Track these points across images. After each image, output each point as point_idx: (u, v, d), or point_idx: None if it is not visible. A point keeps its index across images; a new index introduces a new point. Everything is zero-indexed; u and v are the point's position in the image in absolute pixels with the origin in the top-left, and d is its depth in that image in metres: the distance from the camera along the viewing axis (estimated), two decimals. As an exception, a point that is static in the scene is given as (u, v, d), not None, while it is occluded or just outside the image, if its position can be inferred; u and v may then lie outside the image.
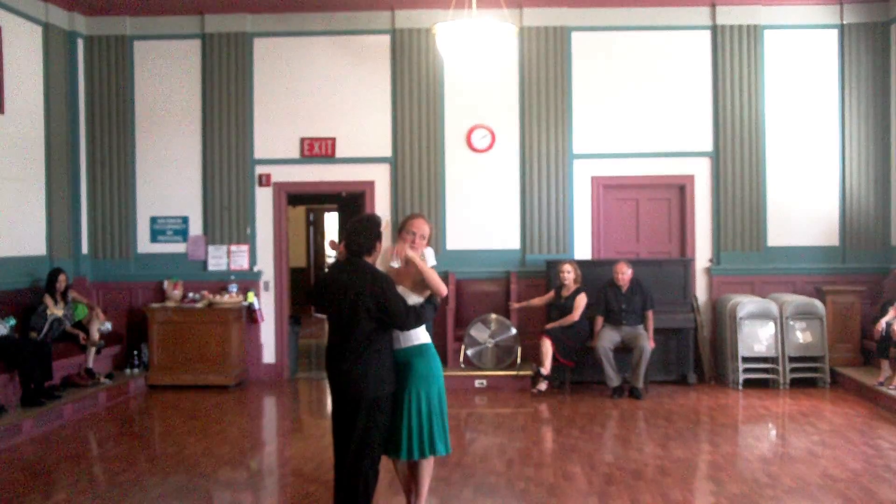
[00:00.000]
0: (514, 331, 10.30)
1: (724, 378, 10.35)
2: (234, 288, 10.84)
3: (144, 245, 11.24)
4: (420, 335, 5.23)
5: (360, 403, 5.00)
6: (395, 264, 5.32)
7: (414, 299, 5.15)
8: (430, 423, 5.17)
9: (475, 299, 10.85)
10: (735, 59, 10.89)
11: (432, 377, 5.19)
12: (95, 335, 9.76)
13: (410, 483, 5.48)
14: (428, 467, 5.34)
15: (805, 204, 10.93)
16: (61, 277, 9.74)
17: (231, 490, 6.63)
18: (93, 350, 9.79)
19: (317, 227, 19.24)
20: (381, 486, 6.50)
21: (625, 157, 11.01)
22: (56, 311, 9.47)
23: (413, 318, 5.08)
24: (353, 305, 4.95)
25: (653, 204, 11.18)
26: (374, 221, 5.21)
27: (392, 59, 11.05)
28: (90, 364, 9.79)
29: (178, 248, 11.20)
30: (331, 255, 19.19)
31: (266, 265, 11.20)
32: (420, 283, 5.18)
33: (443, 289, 5.14)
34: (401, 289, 5.13)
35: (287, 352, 11.21)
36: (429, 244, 5.40)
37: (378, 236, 5.14)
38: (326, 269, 5.78)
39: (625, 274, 9.79)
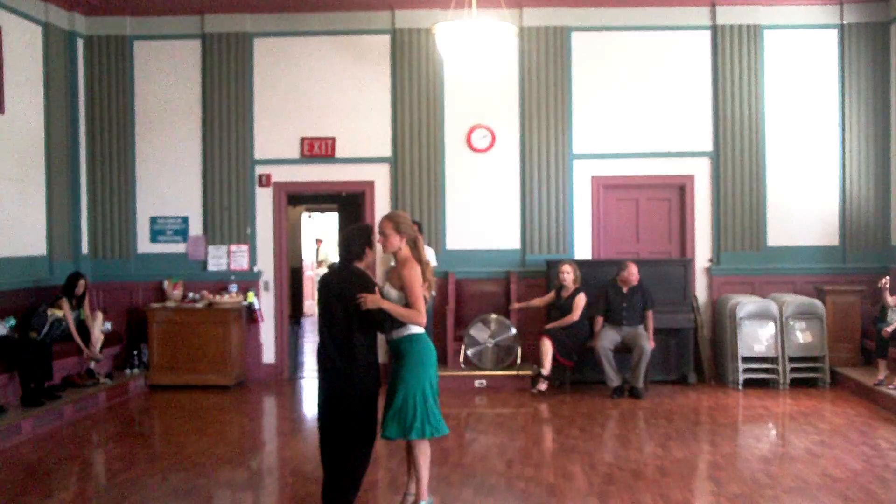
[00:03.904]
0: (514, 331, 10.30)
1: (724, 378, 10.35)
2: (234, 288, 10.84)
3: (144, 245, 11.23)
4: (412, 326, 5.49)
5: (344, 399, 5.41)
6: (394, 263, 5.67)
7: (394, 295, 5.48)
8: (422, 407, 5.42)
9: (475, 299, 10.85)
10: (735, 59, 10.88)
11: (423, 365, 5.46)
12: (97, 352, 9.74)
13: (411, 468, 5.69)
14: (422, 451, 5.52)
15: (805, 204, 10.92)
16: (81, 283, 9.80)
17: (231, 490, 6.64)
18: (98, 329, 9.80)
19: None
20: (382, 486, 6.51)
21: (625, 157, 11.01)
22: (59, 312, 9.46)
23: (389, 324, 5.46)
24: (342, 307, 5.38)
25: (653, 204, 11.17)
26: (365, 230, 5.66)
27: (392, 59, 11.05)
28: (91, 365, 9.79)
29: (178, 248, 11.20)
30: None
31: (266, 265, 11.19)
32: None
33: (416, 318, 5.42)
34: (387, 286, 5.57)
35: (287, 352, 11.21)
36: (406, 239, 5.55)
37: (368, 244, 5.57)
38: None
39: (635, 275, 9.77)
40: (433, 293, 5.79)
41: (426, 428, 5.44)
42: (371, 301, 5.31)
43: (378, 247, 5.70)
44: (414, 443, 5.51)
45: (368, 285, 5.42)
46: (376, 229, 5.66)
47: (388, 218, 5.60)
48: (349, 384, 5.40)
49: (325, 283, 5.57)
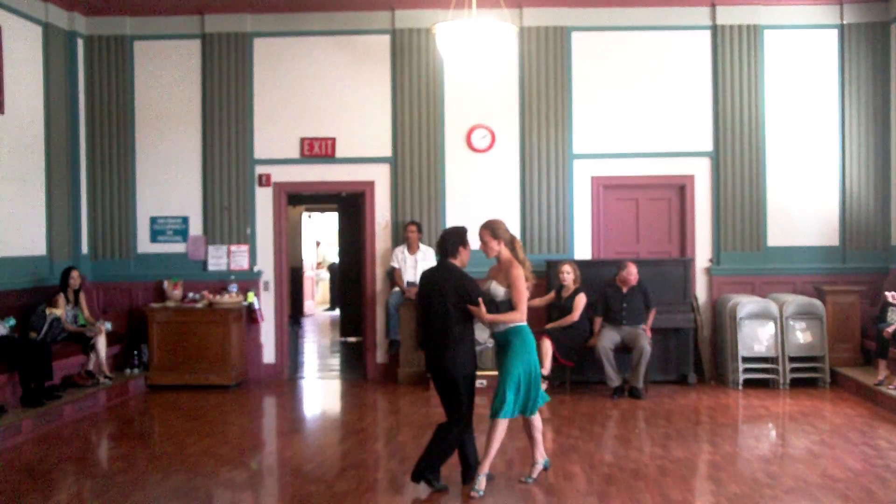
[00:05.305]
0: (514, 331, 10.29)
1: (724, 378, 10.35)
2: (234, 288, 10.83)
3: (144, 245, 11.23)
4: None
5: (444, 381, 6.17)
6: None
7: (501, 293, 6.21)
8: (528, 387, 6.13)
9: (475, 299, 10.82)
10: (735, 59, 10.88)
11: (528, 352, 6.16)
12: (101, 339, 9.74)
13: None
14: (536, 422, 6.34)
15: (805, 204, 10.92)
16: (74, 274, 9.81)
17: (231, 490, 6.63)
18: (102, 344, 9.72)
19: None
20: (382, 484, 6.52)
21: (625, 157, 11.01)
22: (57, 311, 9.46)
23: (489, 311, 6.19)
24: (441, 299, 6.14)
25: (653, 204, 11.17)
26: (459, 231, 6.44)
27: (392, 59, 11.05)
28: (91, 365, 9.78)
29: (178, 248, 11.20)
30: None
31: (266, 265, 11.19)
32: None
33: (517, 320, 6.16)
34: (493, 283, 6.28)
35: (287, 352, 11.21)
36: (503, 243, 6.33)
37: (461, 243, 6.34)
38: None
39: (634, 275, 9.78)
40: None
41: (543, 399, 6.30)
42: (476, 314, 6.09)
43: (472, 245, 6.45)
44: (532, 419, 6.31)
45: (463, 281, 6.18)
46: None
47: (484, 227, 6.37)
48: (448, 368, 6.11)
49: (426, 278, 6.39)
